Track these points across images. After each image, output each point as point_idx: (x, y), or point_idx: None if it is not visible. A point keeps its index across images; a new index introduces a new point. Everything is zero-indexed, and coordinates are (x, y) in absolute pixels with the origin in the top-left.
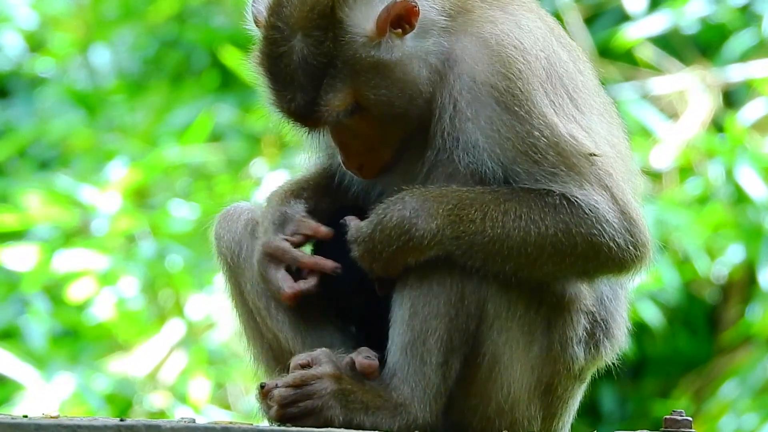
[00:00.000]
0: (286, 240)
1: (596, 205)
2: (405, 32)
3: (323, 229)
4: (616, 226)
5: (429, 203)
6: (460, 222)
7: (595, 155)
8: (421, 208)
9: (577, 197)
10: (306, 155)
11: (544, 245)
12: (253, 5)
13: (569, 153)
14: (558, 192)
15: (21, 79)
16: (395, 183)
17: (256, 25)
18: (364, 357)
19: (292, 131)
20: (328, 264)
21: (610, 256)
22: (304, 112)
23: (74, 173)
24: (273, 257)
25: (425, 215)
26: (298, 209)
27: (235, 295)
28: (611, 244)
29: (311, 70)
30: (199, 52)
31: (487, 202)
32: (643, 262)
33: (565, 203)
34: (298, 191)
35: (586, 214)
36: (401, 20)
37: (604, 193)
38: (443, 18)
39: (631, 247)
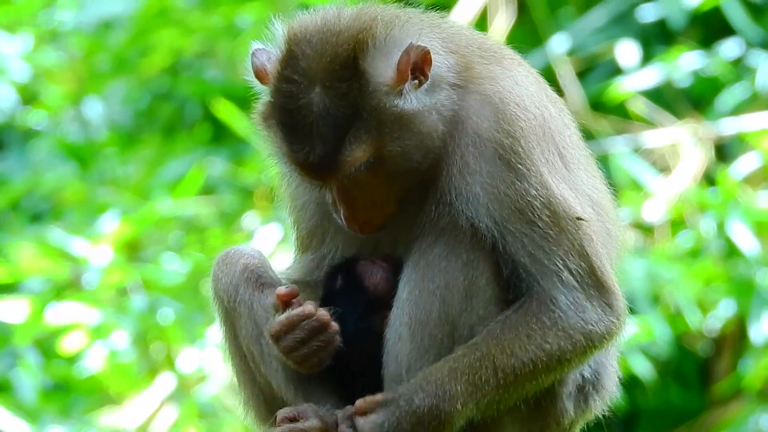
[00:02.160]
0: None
1: (583, 303)
2: (420, 83)
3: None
4: (600, 313)
5: (447, 385)
6: (477, 389)
7: (581, 219)
8: (441, 395)
9: (569, 303)
10: (296, 254)
11: (551, 360)
12: (253, 58)
13: (560, 216)
14: (549, 300)
15: (14, 131)
16: (393, 235)
17: (259, 79)
18: (347, 426)
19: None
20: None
21: (602, 343)
22: (322, 165)
23: (66, 226)
24: (284, 331)
25: (447, 399)
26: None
27: (229, 339)
28: (603, 332)
29: (335, 121)
30: (192, 104)
31: (492, 354)
32: (620, 330)
33: (559, 314)
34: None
35: (579, 317)
36: (417, 69)
37: (582, 265)
38: (451, 74)
39: (613, 327)
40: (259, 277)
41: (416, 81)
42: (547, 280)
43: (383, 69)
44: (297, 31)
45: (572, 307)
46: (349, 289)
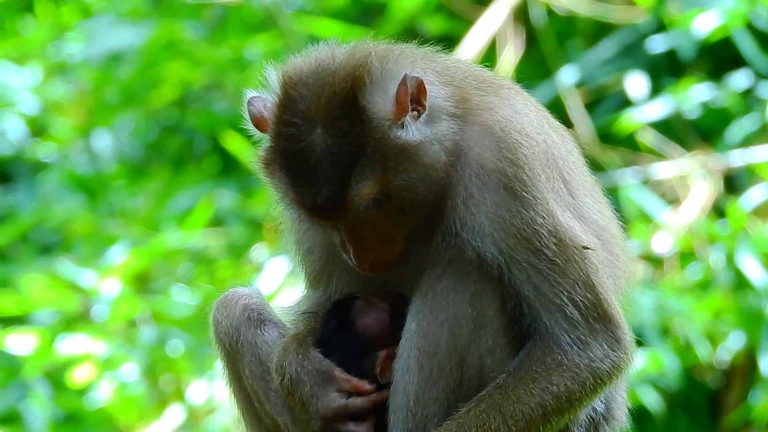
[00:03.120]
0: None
1: (587, 340)
2: (419, 114)
3: (366, 387)
4: (606, 348)
5: None
6: None
7: (587, 248)
8: None
9: (572, 341)
10: (304, 292)
11: (560, 401)
12: (250, 107)
13: (567, 244)
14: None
15: (23, 163)
16: (400, 271)
17: (257, 126)
18: None
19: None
20: (382, 396)
21: (610, 379)
22: (330, 206)
23: (76, 258)
24: (336, 418)
25: None
26: (328, 364)
27: (233, 380)
28: (610, 368)
29: (338, 161)
30: (200, 137)
31: (498, 403)
32: (628, 364)
33: (563, 354)
34: (309, 338)
35: (584, 354)
36: (415, 99)
37: (588, 296)
38: (449, 104)
39: (620, 361)
40: (260, 315)
41: (415, 112)
42: (551, 317)
43: (382, 103)
44: (292, 75)
45: (576, 346)
46: (342, 330)
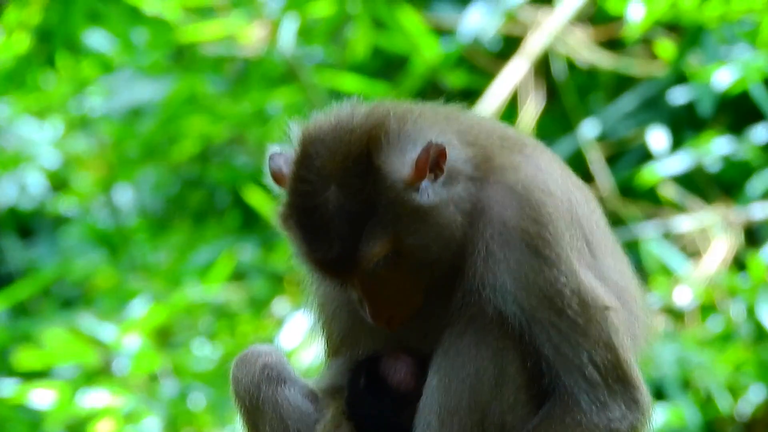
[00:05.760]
0: None
1: (606, 401)
2: (436, 177)
3: None
4: (624, 410)
5: None
6: None
7: (609, 308)
8: None
9: (592, 401)
10: (326, 360)
11: None
12: (271, 163)
13: (589, 304)
14: (571, 401)
15: (44, 218)
16: (421, 327)
17: (276, 182)
18: None
19: (321, 285)
20: None
21: None
22: (341, 263)
23: (97, 312)
24: None
25: None
26: None
27: None
28: (627, 429)
29: (350, 218)
30: (222, 191)
31: None
32: (645, 426)
33: (582, 415)
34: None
35: (603, 416)
36: (434, 164)
37: (609, 357)
38: (468, 166)
39: (638, 423)
40: (280, 373)
41: (432, 174)
42: (570, 377)
43: (398, 164)
44: (311, 131)
45: (595, 407)
46: (374, 389)
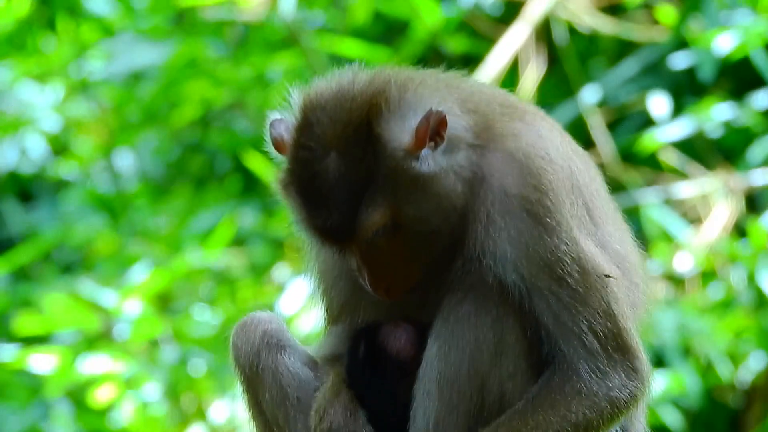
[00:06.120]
0: None
1: (606, 369)
2: (437, 145)
3: None
4: (624, 378)
5: None
6: None
7: (609, 277)
8: None
9: (591, 370)
10: (326, 328)
11: (578, 429)
12: (271, 129)
13: (589, 272)
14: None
15: (44, 182)
16: (420, 296)
17: (277, 149)
18: None
19: (321, 252)
20: None
21: (627, 408)
22: (341, 231)
23: (97, 277)
24: None
25: None
26: (370, 431)
27: (252, 405)
28: (627, 397)
29: (350, 187)
30: (222, 156)
31: (517, 429)
32: (645, 394)
33: (582, 383)
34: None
35: (603, 384)
36: (434, 133)
37: (608, 326)
38: (469, 134)
39: (637, 391)
40: (279, 341)
41: (432, 143)
42: (570, 345)
43: (398, 133)
44: (312, 98)
45: (595, 375)
46: (373, 357)
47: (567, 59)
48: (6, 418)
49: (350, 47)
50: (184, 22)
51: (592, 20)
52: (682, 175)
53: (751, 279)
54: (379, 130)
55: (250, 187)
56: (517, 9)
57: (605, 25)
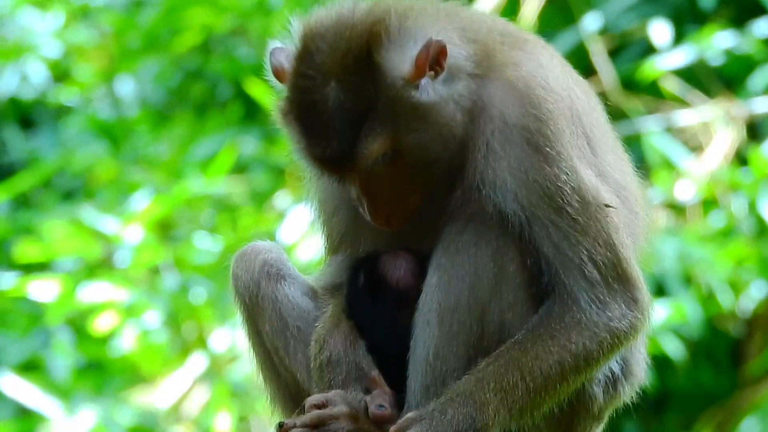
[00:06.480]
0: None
1: (606, 299)
2: (437, 75)
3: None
4: (624, 308)
5: (476, 394)
6: (506, 395)
7: (609, 206)
8: (472, 404)
9: (591, 301)
10: (326, 257)
11: (578, 360)
12: (272, 58)
13: (589, 202)
14: (571, 299)
15: (45, 108)
16: (421, 226)
17: (277, 78)
18: (376, 406)
19: (321, 181)
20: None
21: (627, 339)
22: (340, 159)
23: (98, 204)
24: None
25: (479, 407)
26: (369, 362)
27: (252, 335)
28: (627, 328)
29: (349, 116)
30: (224, 83)
31: (517, 359)
32: (645, 325)
33: (582, 314)
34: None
35: (603, 314)
36: (434, 62)
37: (608, 255)
38: (469, 63)
39: (637, 322)
40: (279, 270)
41: (432, 72)
42: (570, 275)
43: (398, 62)
44: (312, 27)
45: (595, 305)
46: (373, 287)
47: None
48: (6, 346)
49: None
50: None
51: None
52: (683, 102)
53: (752, 207)
54: (379, 58)
55: (252, 114)
56: None
57: None
